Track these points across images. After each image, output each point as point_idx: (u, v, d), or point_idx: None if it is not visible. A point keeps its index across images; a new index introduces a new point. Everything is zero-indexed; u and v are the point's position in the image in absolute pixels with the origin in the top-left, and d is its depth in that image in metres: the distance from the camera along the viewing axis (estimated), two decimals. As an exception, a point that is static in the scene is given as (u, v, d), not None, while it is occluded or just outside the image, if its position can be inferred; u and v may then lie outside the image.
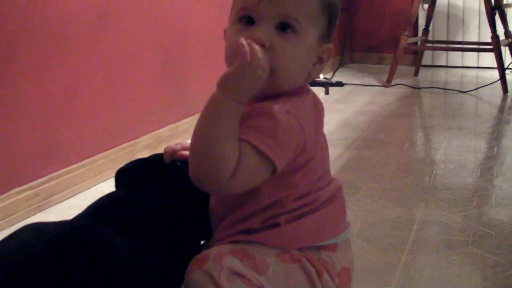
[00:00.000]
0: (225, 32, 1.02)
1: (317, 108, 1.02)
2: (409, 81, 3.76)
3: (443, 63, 4.34)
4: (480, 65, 4.25)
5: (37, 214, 1.69)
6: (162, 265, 1.03)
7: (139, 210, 1.05)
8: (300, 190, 0.98)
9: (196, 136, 0.92)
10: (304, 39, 0.94)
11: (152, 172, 1.13)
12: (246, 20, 0.95)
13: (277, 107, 0.92)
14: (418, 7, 3.62)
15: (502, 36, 3.62)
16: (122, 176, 1.14)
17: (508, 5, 3.70)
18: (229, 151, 0.88)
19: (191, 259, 0.98)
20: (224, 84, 0.90)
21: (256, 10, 0.93)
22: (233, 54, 0.91)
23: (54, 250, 0.89)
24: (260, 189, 0.96)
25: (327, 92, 3.41)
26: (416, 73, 3.99)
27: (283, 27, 0.93)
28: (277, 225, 0.97)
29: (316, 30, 0.96)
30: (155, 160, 1.18)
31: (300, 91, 0.98)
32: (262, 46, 0.90)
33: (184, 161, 1.13)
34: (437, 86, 3.54)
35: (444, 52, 4.28)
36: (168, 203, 1.09)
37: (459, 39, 4.24)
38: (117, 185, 1.16)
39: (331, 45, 1.00)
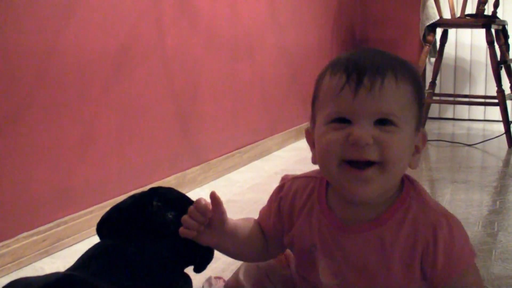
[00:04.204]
0: (307, 134, 1.02)
1: None
2: (416, 133, 3.78)
3: (450, 116, 4.39)
4: (487, 118, 4.30)
5: (44, 258, 1.73)
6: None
7: (123, 256, 1.10)
8: None
9: None
10: (404, 131, 0.92)
11: (129, 217, 1.21)
12: (340, 120, 0.92)
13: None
14: (425, 61, 3.69)
15: (508, 90, 3.68)
16: (103, 227, 1.22)
17: (513, 60, 3.76)
18: None
19: None
20: None
21: (351, 110, 0.91)
22: (327, 152, 0.92)
23: None
24: None
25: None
26: (423, 125, 4.03)
27: (382, 122, 0.91)
28: None
29: (413, 119, 0.94)
30: (131, 204, 1.25)
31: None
32: (366, 144, 0.89)
33: (160, 199, 1.22)
34: (443, 139, 3.58)
35: (451, 105, 4.34)
36: (149, 245, 1.16)
37: (466, 92, 4.29)
38: (100, 236, 1.23)
39: (425, 131, 0.99)
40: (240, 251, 1.10)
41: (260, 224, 1.10)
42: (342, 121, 0.92)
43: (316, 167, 1.01)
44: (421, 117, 0.98)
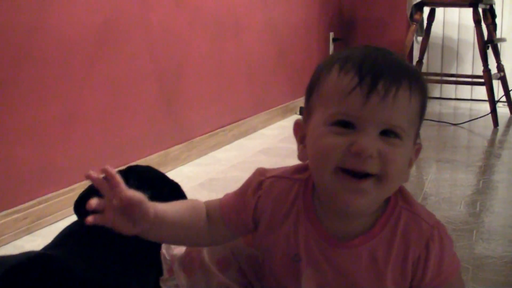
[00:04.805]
0: (296, 127, 0.95)
1: None
2: (402, 112, 3.78)
3: (437, 95, 4.39)
4: (473, 98, 4.30)
5: (25, 237, 1.72)
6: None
7: (98, 235, 1.08)
8: None
9: None
10: (406, 145, 0.87)
11: None
12: (343, 123, 0.85)
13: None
14: (411, 39, 3.67)
15: (494, 70, 3.68)
16: (80, 205, 1.20)
17: (500, 40, 3.76)
18: None
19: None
20: None
21: (359, 116, 0.84)
22: (324, 157, 0.86)
23: (11, 279, 0.92)
24: None
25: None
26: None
27: (387, 133, 0.85)
28: None
29: (413, 133, 0.89)
30: None
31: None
32: (369, 156, 0.83)
33: (137, 178, 1.19)
34: (429, 118, 3.58)
35: (438, 84, 4.33)
36: None
37: (453, 71, 4.29)
38: (77, 214, 1.22)
39: (421, 144, 0.93)
40: (176, 239, 1.02)
41: (221, 212, 1.01)
42: (346, 125, 0.85)
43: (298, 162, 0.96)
44: (419, 130, 0.92)
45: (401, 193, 0.95)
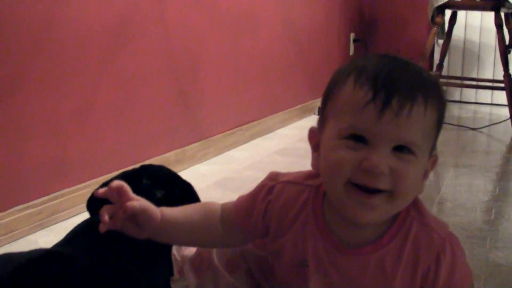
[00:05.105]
0: (311, 134, 0.94)
1: None
2: (421, 115, 3.76)
3: (457, 99, 4.36)
4: (494, 102, 4.26)
5: (38, 231, 1.73)
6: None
7: (109, 234, 1.09)
8: None
9: None
10: (421, 160, 0.86)
11: None
12: (356, 137, 0.84)
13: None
14: (432, 42, 3.64)
15: (515, 75, 3.64)
16: (92, 203, 1.21)
17: (522, 44, 3.71)
18: None
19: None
20: None
21: (371, 131, 0.83)
22: (335, 170, 0.85)
23: (21, 276, 0.92)
24: None
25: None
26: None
27: (400, 149, 0.84)
28: None
29: (429, 146, 0.88)
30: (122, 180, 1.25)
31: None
32: (381, 174, 0.82)
33: (150, 177, 1.20)
34: (448, 122, 3.55)
35: (458, 88, 4.30)
36: None
37: (474, 75, 4.25)
38: (90, 212, 1.22)
39: (437, 155, 0.92)
40: (189, 241, 1.06)
41: (235, 216, 1.02)
42: (358, 139, 0.84)
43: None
44: (436, 141, 0.90)
45: (414, 203, 0.93)
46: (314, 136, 0.93)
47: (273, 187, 0.99)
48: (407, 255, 0.91)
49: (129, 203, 0.94)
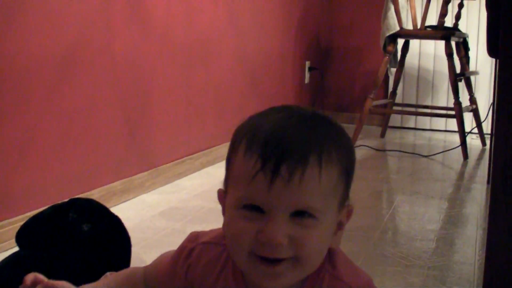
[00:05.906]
0: (219, 196, 0.91)
1: None
2: (375, 142, 3.82)
3: (412, 125, 4.42)
4: (448, 129, 4.32)
5: (-26, 265, 1.71)
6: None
7: (36, 266, 1.10)
8: None
9: None
10: (324, 222, 0.83)
11: (46, 227, 1.21)
12: (252, 207, 0.82)
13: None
14: (384, 71, 3.70)
15: (467, 102, 3.71)
16: (21, 236, 1.21)
17: (472, 73, 3.79)
18: None
19: None
20: None
21: (265, 201, 0.80)
22: (236, 242, 0.83)
23: None
24: None
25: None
26: (382, 135, 4.05)
27: (300, 214, 0.81)
28: None
29: (336, 201, 0.85)
30: (48, 214, 1.25)
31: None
32: (279, 245, 0.80)
33: (77, 211, 1.22)
34: (397, 149, 3.59)
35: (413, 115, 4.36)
36: (63, 256, 1.16)
37: (428, 102, 4.32)
38: (19, 245, 1.23)
39: (351, 205, 0.89)
40: None
41: (157, 280, 1.03)
42: (255, 208, 0.81)
43: None
44: (348, 190, 0.87)
45: (329, 255, 0.91)
46: (222, 199, 0.90)
47: (192, 249, 0.98)
48: None
49: (50, 281, 0.99)
